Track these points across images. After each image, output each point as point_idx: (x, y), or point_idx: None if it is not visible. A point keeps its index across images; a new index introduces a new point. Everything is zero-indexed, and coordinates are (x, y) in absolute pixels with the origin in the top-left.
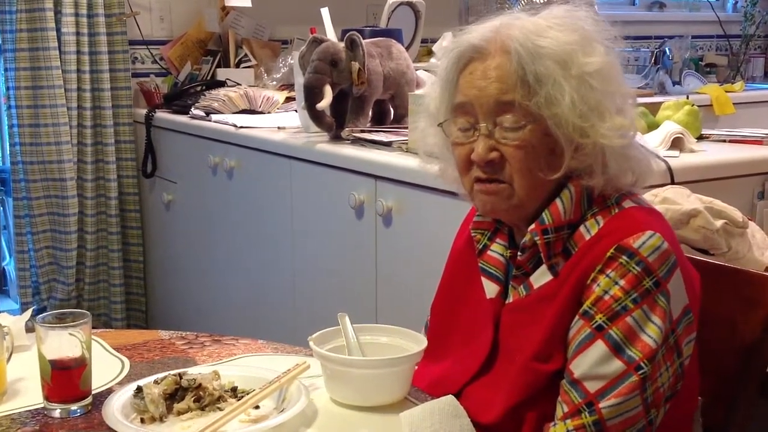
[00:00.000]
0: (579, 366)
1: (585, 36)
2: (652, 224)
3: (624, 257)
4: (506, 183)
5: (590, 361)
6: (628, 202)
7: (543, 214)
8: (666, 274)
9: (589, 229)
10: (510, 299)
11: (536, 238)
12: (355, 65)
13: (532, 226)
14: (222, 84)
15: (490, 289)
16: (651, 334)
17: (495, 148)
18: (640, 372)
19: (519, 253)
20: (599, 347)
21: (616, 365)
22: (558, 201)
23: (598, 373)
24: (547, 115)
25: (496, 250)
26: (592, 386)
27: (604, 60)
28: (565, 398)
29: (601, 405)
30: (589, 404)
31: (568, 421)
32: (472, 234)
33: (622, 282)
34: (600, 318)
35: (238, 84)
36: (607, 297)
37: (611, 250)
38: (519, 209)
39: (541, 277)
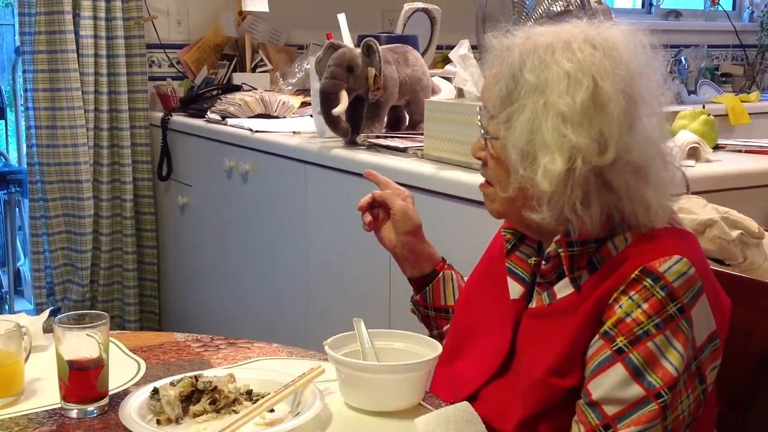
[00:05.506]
0: (597, 388)
1: (582, 69)
2: (681, 248)
3: (648, 280)
4: (493, 186)
5: (609, 383)
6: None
7: (570, 226)
8: (690, 300)
9: (617, 246)
10: (533, 304)
11: (560, 250)
12: (372, 71)
13: (557, 237)
14: (238, 88)
15: (515, 289)
16: (672, 361)
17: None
18: (660, 400)
19: (543, 262)
20: (618, 370)
21: (635, 390)
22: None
23: (617, 396)
24: (502, 135)
25: (525, 251)
26: (610, 410)
27: (580, 102)
28: (582, 419)
29: None
30: (607, 427)
31: None
32: (503, 233)
33: (645, 306)
34: (621, 341)
35: (254, 88)
36: (629, 320)
37: (636, 272)
38: (504, 216)
39: (563, 289)
